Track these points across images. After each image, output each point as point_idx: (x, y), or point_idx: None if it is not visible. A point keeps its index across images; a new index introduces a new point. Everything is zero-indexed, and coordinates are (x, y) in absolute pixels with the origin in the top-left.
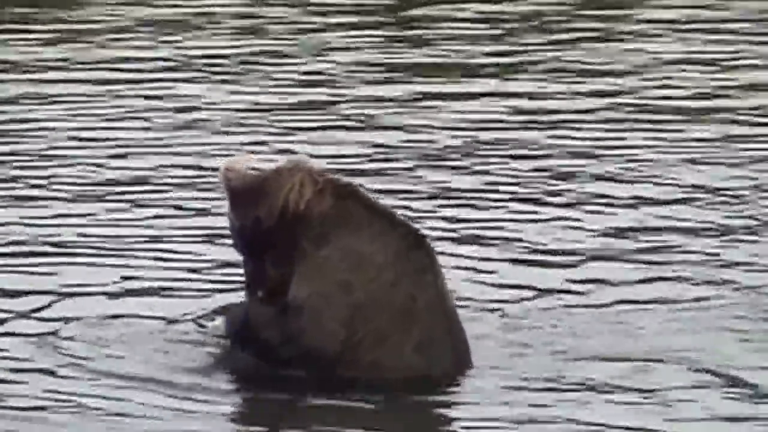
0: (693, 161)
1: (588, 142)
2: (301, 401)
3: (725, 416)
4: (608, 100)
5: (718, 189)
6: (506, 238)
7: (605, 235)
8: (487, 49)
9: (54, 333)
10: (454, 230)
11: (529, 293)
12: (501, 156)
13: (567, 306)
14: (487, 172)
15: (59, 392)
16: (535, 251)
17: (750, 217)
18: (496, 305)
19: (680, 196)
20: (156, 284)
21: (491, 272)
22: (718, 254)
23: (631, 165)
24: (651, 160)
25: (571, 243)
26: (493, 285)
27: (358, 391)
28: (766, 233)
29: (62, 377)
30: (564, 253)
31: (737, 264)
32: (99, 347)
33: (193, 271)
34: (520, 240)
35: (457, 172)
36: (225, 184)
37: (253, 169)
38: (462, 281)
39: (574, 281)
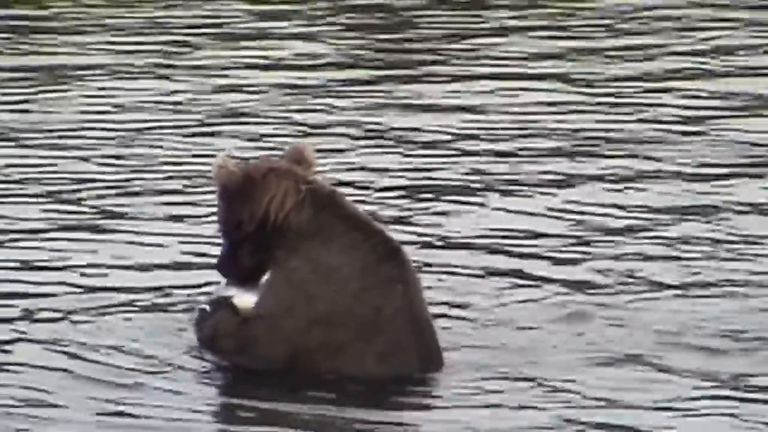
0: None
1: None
2: (277, 404)
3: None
4: None
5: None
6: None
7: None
8: None
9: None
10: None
11: (507, 290)
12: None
13: (545, 304)
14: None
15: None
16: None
17: None
18: (477, 303)
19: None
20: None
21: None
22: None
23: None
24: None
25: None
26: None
27: (324, 394)
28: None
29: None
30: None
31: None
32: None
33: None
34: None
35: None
36: (216, 180)
37: (245, 167)
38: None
39: (550, 278)
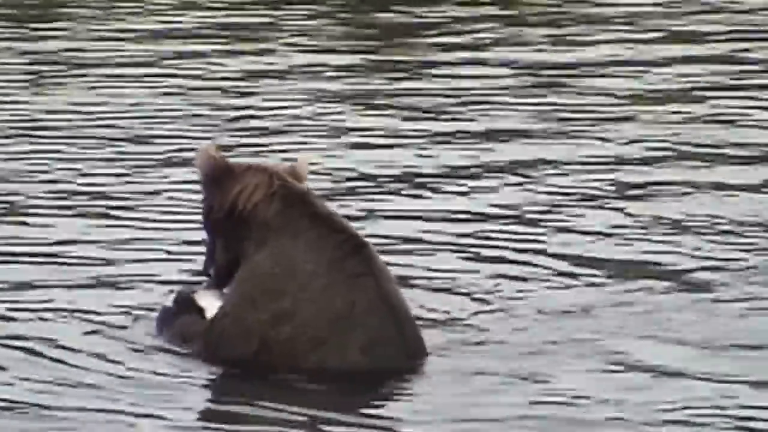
0: None
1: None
2: (262, 403)
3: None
4: None
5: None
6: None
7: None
8: None
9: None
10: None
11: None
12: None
13: (528, 296)
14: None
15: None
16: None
17: None
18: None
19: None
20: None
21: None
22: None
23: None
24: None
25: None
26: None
27: (306, 389)
28: None
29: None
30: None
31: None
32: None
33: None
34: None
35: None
36: (198, 165)
37: (228, 160)
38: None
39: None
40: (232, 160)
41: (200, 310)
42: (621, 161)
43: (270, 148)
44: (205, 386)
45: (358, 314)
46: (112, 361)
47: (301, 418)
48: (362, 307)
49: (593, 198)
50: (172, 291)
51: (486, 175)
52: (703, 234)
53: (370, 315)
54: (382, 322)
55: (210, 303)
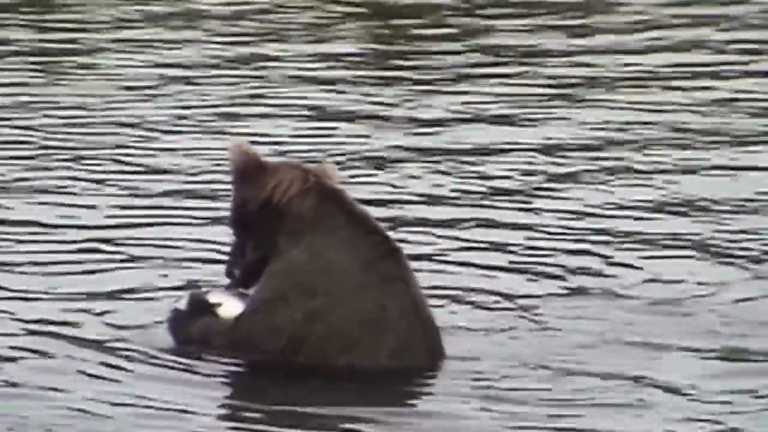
0: None
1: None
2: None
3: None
4: None
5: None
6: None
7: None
8: None
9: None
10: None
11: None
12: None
13: (549, 294)
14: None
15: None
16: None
17: None
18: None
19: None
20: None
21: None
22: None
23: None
24: None
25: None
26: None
27: (333, 392)
28: None
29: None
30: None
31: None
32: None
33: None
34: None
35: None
36: (231, 159)
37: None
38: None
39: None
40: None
41: (215, 310)
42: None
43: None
44: (229, 384)
45: (390, 318)
46: (135, 361)
47: (327, 419)
48: (394, 311)
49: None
50: (183, 295)
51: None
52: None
53: (401, 320)
54: (411, 328)
55: (226, 300)
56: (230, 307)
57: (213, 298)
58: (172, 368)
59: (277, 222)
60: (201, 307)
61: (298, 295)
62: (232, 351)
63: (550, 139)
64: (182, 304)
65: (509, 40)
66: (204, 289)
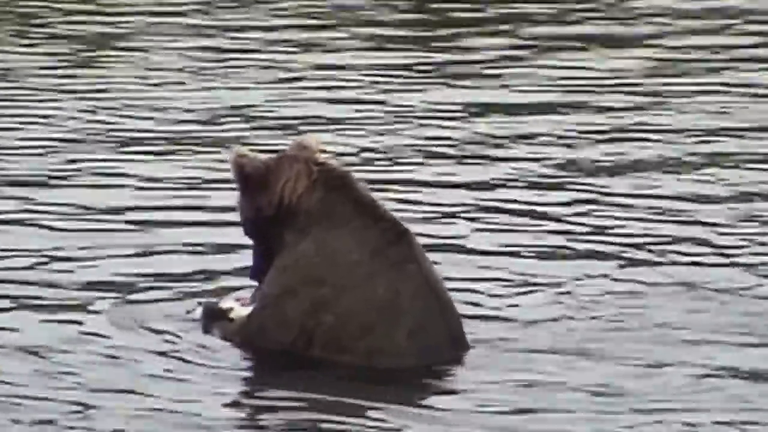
0: None
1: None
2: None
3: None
4: None
5: None
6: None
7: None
8: None
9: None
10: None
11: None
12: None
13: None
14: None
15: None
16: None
17: None
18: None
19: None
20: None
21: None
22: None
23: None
24: None
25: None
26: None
27: (355, 377)
28: None
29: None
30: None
31: None
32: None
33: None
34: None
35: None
36: (238, 171)
37: (260, 157)
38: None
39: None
40: (257, 154)
41: (227, 314)
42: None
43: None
44: (247, 378)
45: (404, 301)
46: (157, 353)
47: (347, 407)
48: (408, 294)
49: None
50: (199, 304)
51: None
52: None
53: (416, 300)
54: (427, 308)
55: (236, 305)
56: (241, 310)
57: (225, 304)
58: (186, 364)
59: (290, 219)
60: (214, 315)
61: (306, 286)
62: (247, 347)
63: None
64: (198, 313)
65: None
66: (215, 299)
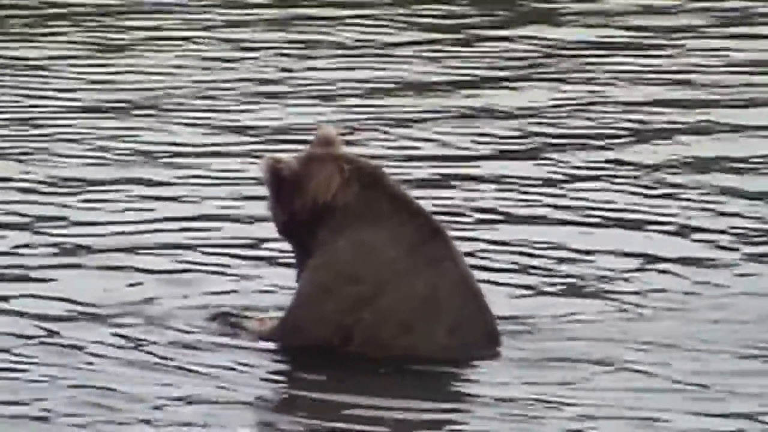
0: None
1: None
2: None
3: None
4: None
5: None
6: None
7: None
8: None
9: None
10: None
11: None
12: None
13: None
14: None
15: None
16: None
17: None
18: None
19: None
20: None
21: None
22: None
23: None
24: None
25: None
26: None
27: (391, 373)
28: None
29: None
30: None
31: None
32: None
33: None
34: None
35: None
36: (273, 177)
37: (288, 162)
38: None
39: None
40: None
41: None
42: None
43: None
44: (281, 376)
45: (443, 297)
46: (192, 349)
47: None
48: (445, 291)
49: None
50: (218, 315)
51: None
52: None
53: (454, 297)
54: (465, 304)
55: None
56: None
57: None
58: (222, 363)
59: (325, 218)
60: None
61: (343, 284)
62: (282, 348)
63: None
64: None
65: None
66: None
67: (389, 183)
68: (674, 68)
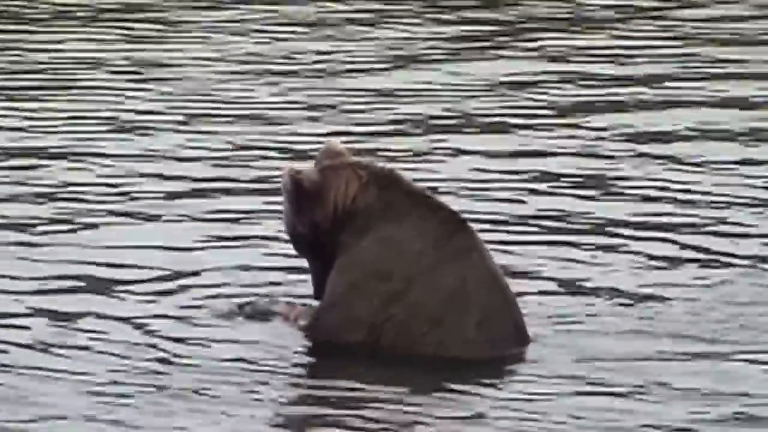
0: None
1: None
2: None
3: None
4: None
5: None
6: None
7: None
8: None
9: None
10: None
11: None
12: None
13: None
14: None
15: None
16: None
17: None
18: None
19: None
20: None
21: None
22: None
23: None
24: None
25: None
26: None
27: (418, 369)
28: None
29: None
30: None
31: None
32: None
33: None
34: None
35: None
36: (296, 188)
37: (305, 173)
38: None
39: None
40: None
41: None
42: None
43: None
44: (312, 371)
45: (471, 290)
46: (220, 344)
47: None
48: (474, 283)
49: None
50: (246, 303)
51: None
52: None
53: (482, 290)
54: (493, 298)
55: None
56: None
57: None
58: (253, 359)
59: (348, 223)
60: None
61: (373, 281)
62: (314, 345)
63: None
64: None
65: None
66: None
67: (406, 181)
68: None
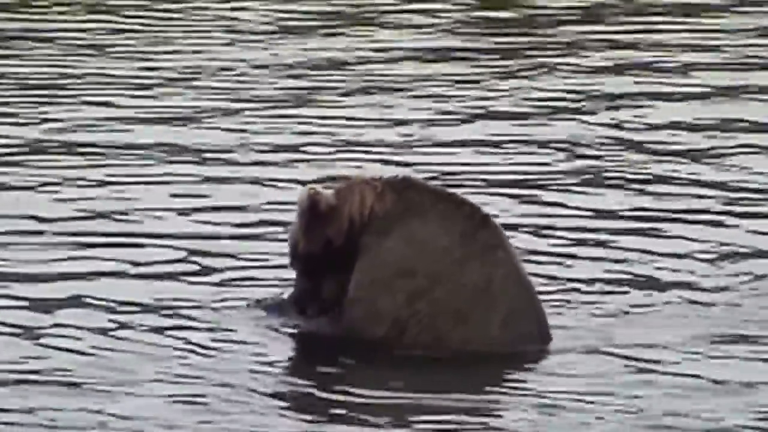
0: None
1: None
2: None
3: None
4: None
5: None
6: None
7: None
8: None
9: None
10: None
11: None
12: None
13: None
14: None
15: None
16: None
17: None
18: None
19: None
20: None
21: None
22: None
23: None
24: None
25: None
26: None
27: (442, 366)
28: None
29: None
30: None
31: None
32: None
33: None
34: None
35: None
36: (312, 207)
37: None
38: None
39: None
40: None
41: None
42: None
43: None
44: (336, 368)
45: (497, 287)
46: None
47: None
48: (499, 280)
49: None
50: (260, 300)
51: None
52: None
53: (507, 287)
54: (518, 295)
55: None
56: None
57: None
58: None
59: (369, 227)
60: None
61: (398, 278)
62: (335, 340)
63: None
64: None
65: None
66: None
67: (422, 182)
68: None
